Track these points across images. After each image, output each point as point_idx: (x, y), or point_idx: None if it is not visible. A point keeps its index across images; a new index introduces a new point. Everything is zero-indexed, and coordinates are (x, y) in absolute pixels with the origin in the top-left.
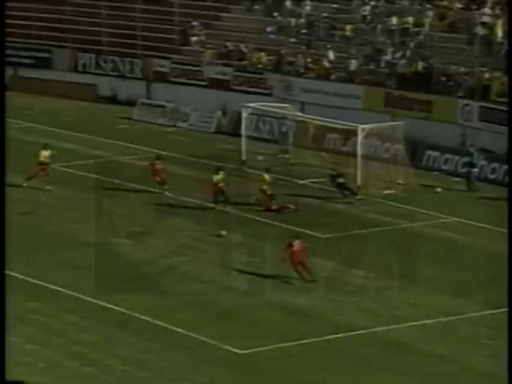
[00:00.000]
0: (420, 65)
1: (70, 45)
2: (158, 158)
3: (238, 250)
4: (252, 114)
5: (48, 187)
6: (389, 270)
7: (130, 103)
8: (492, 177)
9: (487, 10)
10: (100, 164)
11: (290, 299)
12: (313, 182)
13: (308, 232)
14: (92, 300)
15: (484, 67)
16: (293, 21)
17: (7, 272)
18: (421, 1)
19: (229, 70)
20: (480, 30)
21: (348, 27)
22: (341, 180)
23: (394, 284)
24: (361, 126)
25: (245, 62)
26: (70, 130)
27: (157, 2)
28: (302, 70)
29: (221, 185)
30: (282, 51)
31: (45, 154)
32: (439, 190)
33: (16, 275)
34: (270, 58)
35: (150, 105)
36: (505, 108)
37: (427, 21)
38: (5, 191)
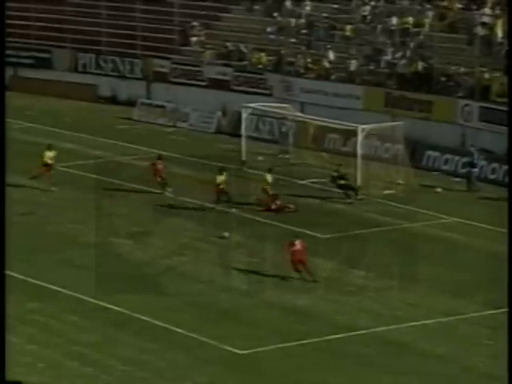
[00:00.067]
0: (420, 65)
1: (70, 45)
2: (160, 157)
3: (238, 250)
4: (252, 114)
5: (53, 188)
6: (389, 270)
7: (130, 103)
8: (492, 177)
9: (487, 10)
10: (100, 164)
11: (290, 299)
12: (313, 182)
13: (308, 232)
14: (92, 300)
15: (484, 67)
16: (293, 21)
17: (7, 272)
18: (421, 1)
19: (229, 70)
20: (480, 30)
21: (348, 27)
22: (342, 181)
23: (394, 284)
24: (361, 127)
25: (245, 62)
26: (70, 130)
27: (157, 2)
28: (302, 71)
29: (223, 186)
30: (282, 51)
31: (49, 154)
32: (439, 190)
33: (16, 275)
34: (270, 58)
35: (150, 105)
36: (505, 108)
37: (427, 21)
38: (5, 191)
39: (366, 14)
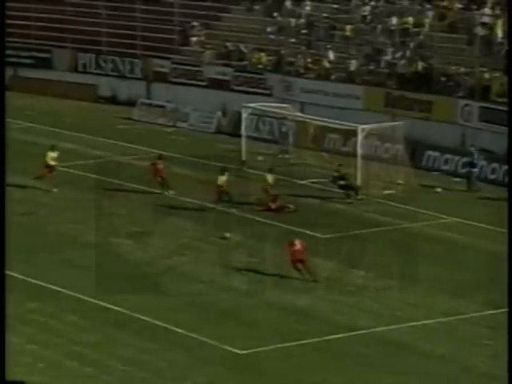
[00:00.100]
0: (420, 65)
1: (70, 45)
2: (160, 157)
3: (238, 250)
4: (252, 114)
5: (55, 190)
6: (389, 270)
7: (130, 103)
8: (492, 177)
9: (487, 10)
10: (100, 164)
11: (290, 299)
12: (313, 182)
13: (308, 232)
14: (92, 300)
15: (484, 67)
16: (293, 21)
17: (7, 272)
18: (421, 1)
19: (229, 70)
20: (480, 30)
21: (348, 27)
22: (343, 182)
23: (394, 284)
24: (361, 127)
25: (245, 62)
26: (70, 130)
27: (157, 2)
28: (302, 70)
29: (224, 186)
30: (282, 51)
31: (52, 155)
32: (439, 190)
33: (16, 275)
34: (270, 58)
35: (150, 105)
36: (505, 108)
37: (427, 21)
38: (5, 191)
39: (365, 14)
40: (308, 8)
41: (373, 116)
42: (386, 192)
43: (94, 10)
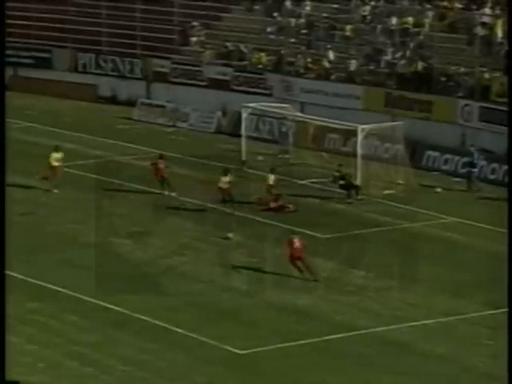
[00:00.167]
0: (420, 65)
1: (70, 45)
2: (161, 157)
3: (238, 250)
4: (252, 114)
5: (56, 191)
6: (389, 270)
7: (130, 103)
8: (492, 177)
9: (487, 10)
10: (100, 164)
11: (290, 299)
12: (313, 182)
13: (308, 232)
14: (92, 300)
15: (484, 67)
16: (293, 21)
17: (7, 272)
18: (421, 1)
19: (229, 70)
20: (480, 30)
21: (348, 27)
22: (343, 182)
23: (394, 284)
24: (361, 127)
25: (245, 62)
26: (70, 130)
27: (157, 2)
28: (302, 70)
29: (227, 186)
30: (282, 51)
31: (56, 156)
32: (439, 190)
33: (16, 275)
34: (270, 58)
35: (150, 105)
36: (505, 108)
37: (427, 21)
38: (5, 191)
39: (365, 14)
40: (308, 8)
41: (373, 116)
42: (386, 192)
43: (94, 10)
